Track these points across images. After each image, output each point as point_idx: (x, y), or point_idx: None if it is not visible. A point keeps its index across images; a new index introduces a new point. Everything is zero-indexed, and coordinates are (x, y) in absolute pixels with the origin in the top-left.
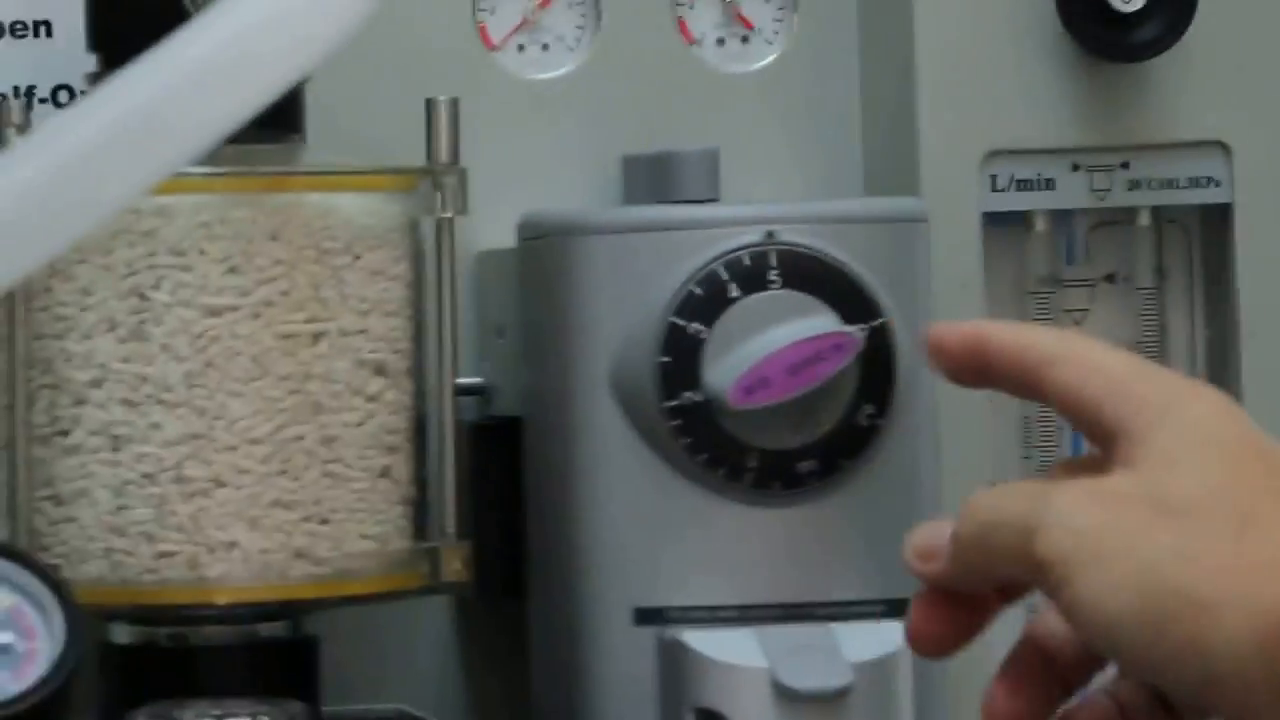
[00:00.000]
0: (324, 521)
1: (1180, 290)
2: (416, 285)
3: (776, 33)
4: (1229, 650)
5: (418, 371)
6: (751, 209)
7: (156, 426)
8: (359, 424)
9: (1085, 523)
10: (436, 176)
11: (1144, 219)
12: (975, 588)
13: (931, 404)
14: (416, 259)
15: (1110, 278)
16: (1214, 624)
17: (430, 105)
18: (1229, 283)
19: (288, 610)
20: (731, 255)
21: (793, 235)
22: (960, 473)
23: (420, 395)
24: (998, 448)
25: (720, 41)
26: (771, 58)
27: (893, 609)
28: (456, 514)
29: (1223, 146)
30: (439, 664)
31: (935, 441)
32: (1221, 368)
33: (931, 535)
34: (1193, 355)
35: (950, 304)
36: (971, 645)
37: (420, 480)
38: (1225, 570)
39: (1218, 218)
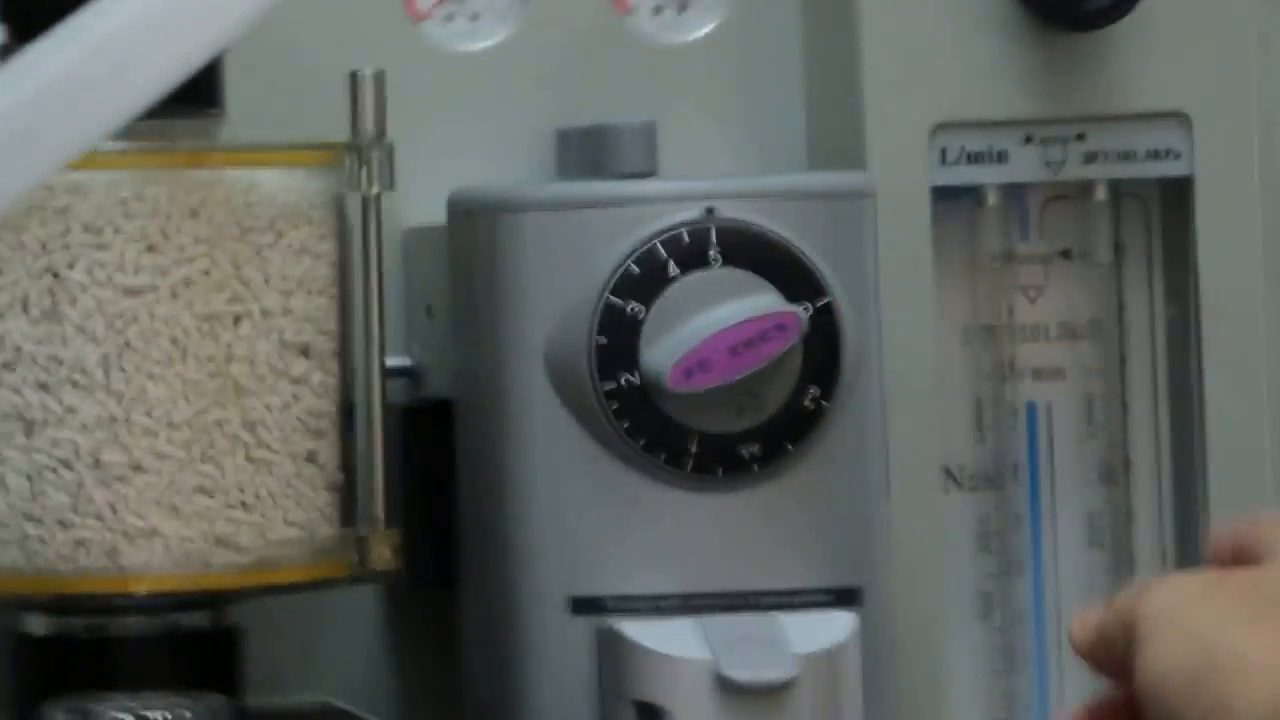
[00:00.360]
0: (247, 508)
1: (1139, 267)
2: (342, 264)
3: (715, 1)
4: (1251, 714)
5: (344, 353)
6: (690, 184)
7: (72, 410)
8: (284, 407)
9: (1178, 590)
10: (362, 151)
11: (1101, 193)
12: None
13: (879, 386)
14: (342, 236)
15: (1066, 254)
16: (1244, 687)
17: (354, 78)
18: (1189, 259)
19: (209, 600)
20: (670, 232)
21: (734, 211)
22: (910, 457)
23: (347, 377)
24: (949, 430)
25: (657, 10)
26: (710, 27)
27: (840, 598)
28: (385, 500)
29: (1183, 117)
30: (366, 655)
31: (883, 424)
32: (1182, 347)
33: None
34: (1152, 334)
35: (899, 282)
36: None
37: (347, 465)
38: (1269, 639)
39: (1178, 191)
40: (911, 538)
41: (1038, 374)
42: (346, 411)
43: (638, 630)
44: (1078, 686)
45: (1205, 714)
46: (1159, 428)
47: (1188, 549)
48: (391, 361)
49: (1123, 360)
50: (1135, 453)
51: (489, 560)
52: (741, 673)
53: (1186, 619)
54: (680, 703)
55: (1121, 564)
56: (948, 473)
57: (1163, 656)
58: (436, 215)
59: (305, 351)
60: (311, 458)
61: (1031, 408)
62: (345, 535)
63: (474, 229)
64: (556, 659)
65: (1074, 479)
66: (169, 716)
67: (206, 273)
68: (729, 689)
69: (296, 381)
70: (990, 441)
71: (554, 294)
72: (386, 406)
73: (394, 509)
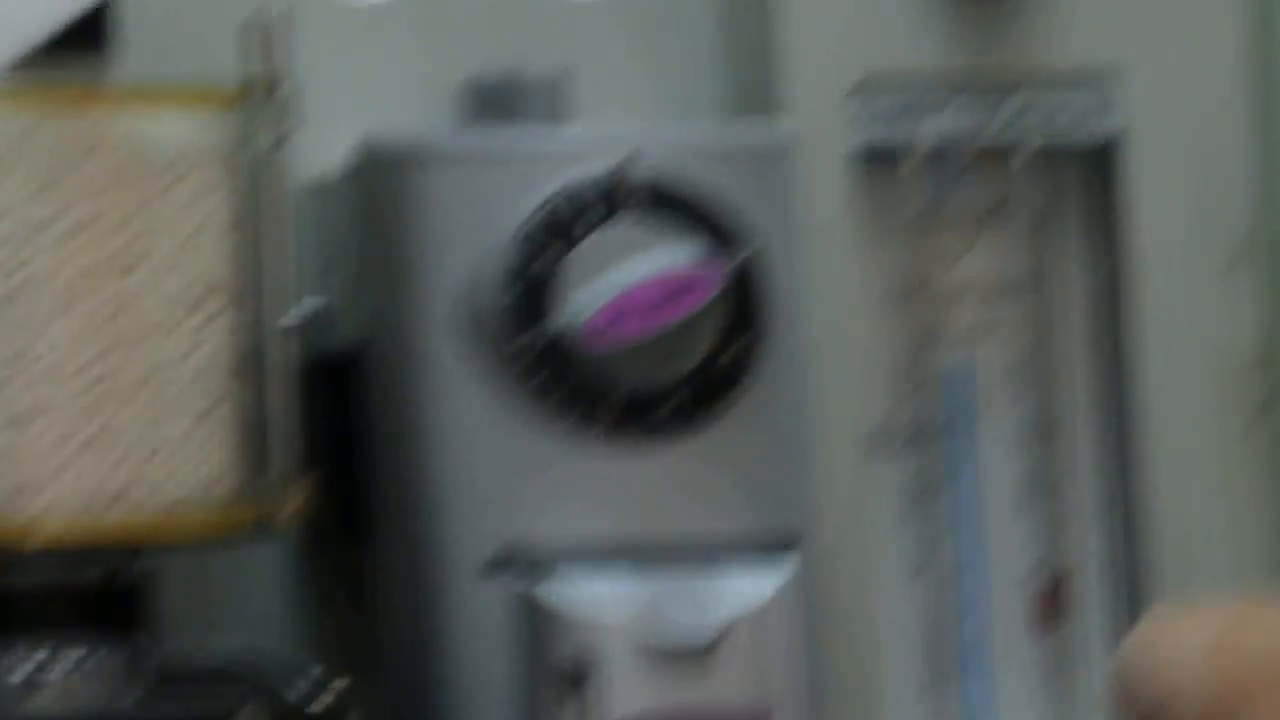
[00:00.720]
0: (148, 460)
1: (1067, 229)
2: (245, 210)
3: None
4: None
5: (249, 302)
6: (607, 133)
7: None
8: (184, 356)
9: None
10: (264, 95)
11: (1027, 152)
12: None
13: (803, 340)
14: (244, 182)
15: (991, 214)
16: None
17: (256, 20)
18: (1119, 222)
19: (111, 552)
20: (586, 183)
21: (653, 162)
22: (835, 417)
23: (252, 327)
24: (874, 390)
25: None
26: None
27: (766, 555)
28: (295, 451)
29: (1113, 75)
30: (281, 604)
31: (807, 383)
32: (1110, 314)
33: None
34: (1080, 294)
35: (821, 240)
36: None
37: (252, 417)
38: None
39: (1108, 152)
40: (838, 499)
41: (964, 334)
42: (251, 361)
43: (558, 591)
44: (1005, 649)
45: None
46: (1088, 387)
47: (1119, 507)
48: (301, 309)
49: (1051, 321)
50: (1061, 413)
51: (400, 517)
52: (666, 636)
53: None
54: (603, 666)
55: (1051, 524)
56: (874, 433)
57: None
58: (342, 163)
59: (207, 300)
60: (215, 409)
61: (958, 368)
62: (250, 488)
63: (382, 178)
64: (472, 621)
65: (1001, 439)
66: (73, 665)
67: (100, 217)
68: (653, 652)
69: (198, 330)
70: (917, 402)
71: (466, 246)
72: (292, 357)
73: (301, 463)
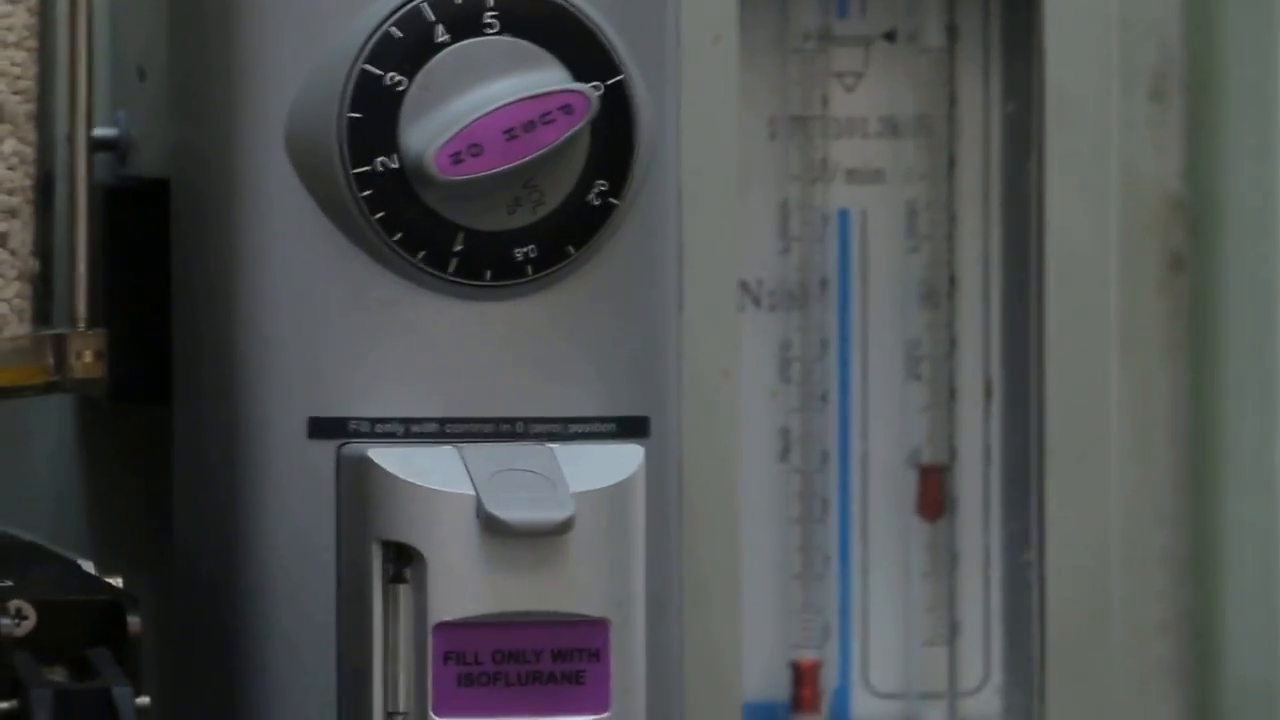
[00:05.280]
0: None
1: (974, 53)
2: (43, 13)
3: None
4: None
5: (43, 118)
6: None
7: None
8: None
9: None
10: None
11: None
12: None
13: (675, 182)
14: None
15: (890, 35)
16: None
17: None
18: (1033, 45)
19: None
20: None
21: None
22: (704, 268)
23: (45, 148)
24: (749, 238)
25: None
26: None
27: (625, 428)
28: (88, 295)
29: None
30: (59, 478)
31: (678, 228)
32: (1021, 146)
33: None
34: (986, 132)
35: (699, 61)
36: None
37: (44, 252)
38: None
39: None
40: (704, 362)
41: (853, 175)
42: (44, 188)
43: (388, 458)
44: (882, 538)
45: None
46: (989, 242)
47: (1015, 383)
48: (97, 131)
49: (951, 162)
50: (962, 270)
51: (211, 370)
52: (509, 511)
53: None
54: (436, 544)
55: (940, 398)
56: (746, 288)
57: None
58: None
59: None
60: (1, 241)
61: (844, 215)
62: (39, 335)
63: None
64: (292, 490)
65: (890, 299)
66: None
67: None
68: (495, 529)
69: None
70: (796, 253)
71: (298, 59)
72: (91, 184)
73: (98, 306)
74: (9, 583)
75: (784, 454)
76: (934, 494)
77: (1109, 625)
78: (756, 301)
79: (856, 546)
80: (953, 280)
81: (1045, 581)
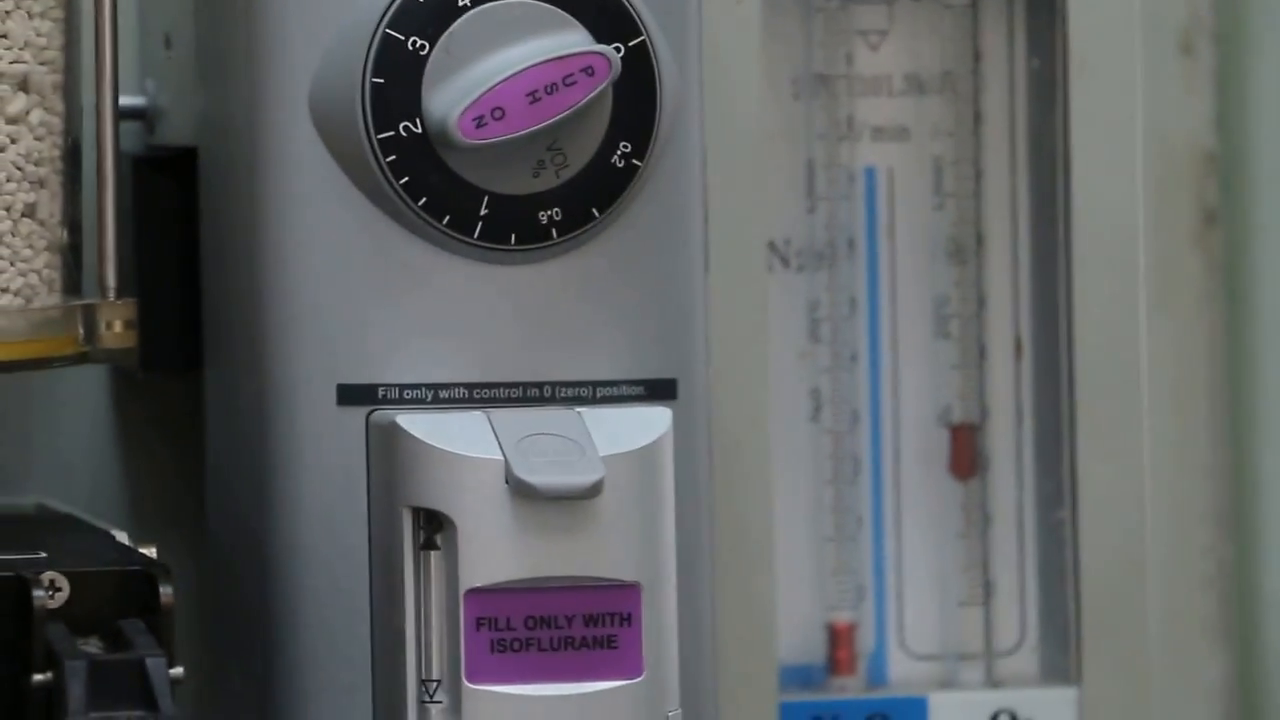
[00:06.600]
0: None
1: (998, 9)
2: None
3: None
4: None
5: (70, 88)
6: None
7: None
8: None
9: None
10: None
11: None
12: None
13: (699, 144)
14: None
15: None
16: None
17: None
18: (1058, 3)
19: None
20: None
21: None
22: (731, 229)
23: (73, 118)
24: (775, 198)
25: None
26: None
27: (651, 391)
28: (117, 265)
29: None
30: (92, 448)
31: (703, 189)
32: (1046, 104)
33: None
34: (1011, 89)
35: (721, 21)
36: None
37: (72, 222)
38: None
39: None
40: (732, 324)
41: (878, 133)
42: (72, 158)
43: (417, 424)
44: (915, 498)
45: None
46: (1016, 198)
47: (1046, 340)
48: (124, 100)
49: (977, 119)
50: (989, 227)
51: (241, 338)
52: (538, 476)
53: None
54: (466, 509)
55: (970, 356)
56: (773, 248)
57: None
58: None
59: (24, 84)
60: (30, 211)
61: (871, 173)
62: (69, 306)
63: None
64: (321, 458)
65: (918, 257)
66: None
67: None
68: (525, 494)
69: (13, 120)
70: (823, 212)
71: (321, 23)
72: (118, 154)
73: (128, 276)
74: (43, 554)
75: (815, 414)
76: (966, 453)
77: (1145, 582)
78: (785, 262)
79: (890, 507)
80: (980, 237)
81: (1079, 539)
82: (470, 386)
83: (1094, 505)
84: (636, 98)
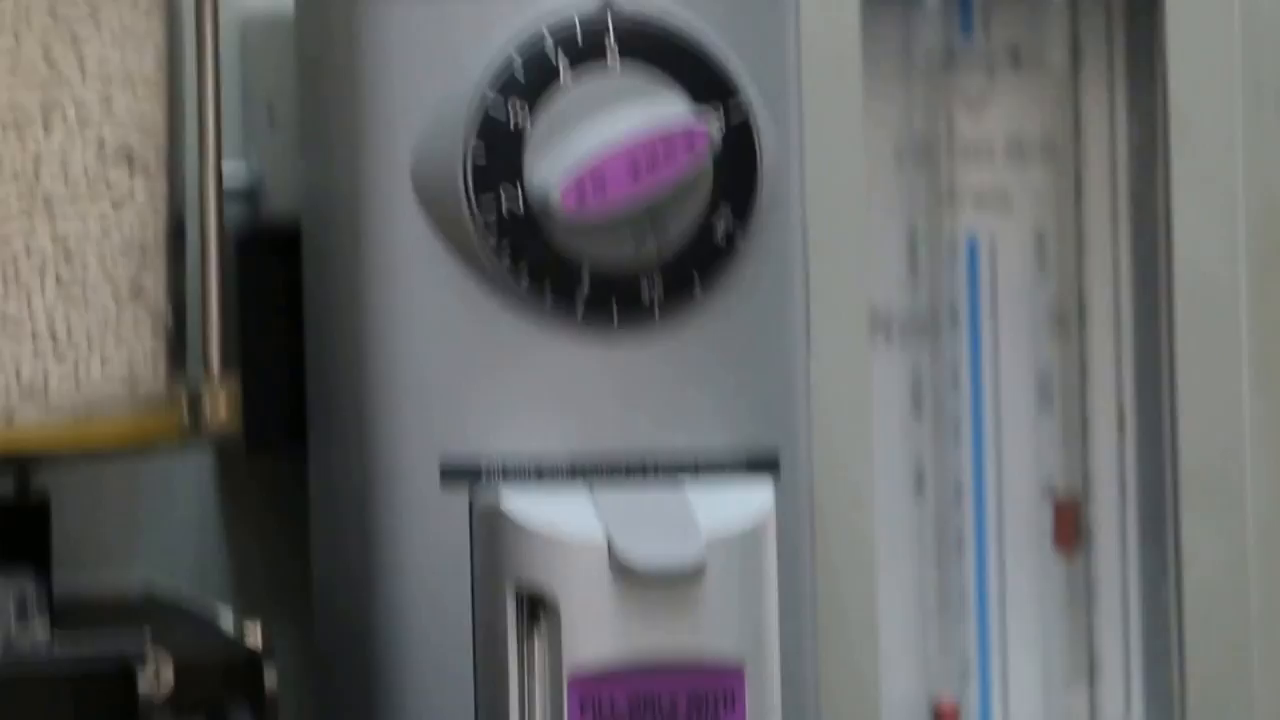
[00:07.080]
0: (58, 352)
1: (1099, 75)
2: (172, 55)
3: None
4: None
5: (173, 164)
6: None
7: None
8: (103, 228)
9: None
10: None
11: None
12: None
13: (800, 214)
14: (172, 22)
15: (1014, 58)
16: None
17: None
18: (1158, 68)
19: (14, 462)
20: (561, 24)
21: (636, 1)
22: (833, 300)
23: (176, 194)
24: (877, 268)
25: None
26: None
27: (755, 463)
28: (221, 345)
29: None
30: (199, 528)
31: (805, 260)
32: (1147, 171)
33: None
34: (1113, 155)
35: (825, 87)
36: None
37: (177, 302)
38: None
39: None
40: (834, 396)
41: (980, 201)
42: (176, 235)
43: (520, 503)
44: (1020, 573)
45: None
46: (1119, 267)
47: (1149, 411)
48: (228, 182)
49: (1079, 186)
50: (1091, 297)
51: (344, 417)
52: (642, 556)
53: None
54: (570, 590)
55: (1073, 429)
56: (876, 319)
57: None
58: (281, 1)
59: (129, 159)
60: (136, 291)
61: (973, 242)
62: (174, 387)
63: (327, 17)
64: (425, 538)
65: (1021, 328)
66: None
67: (9, 57)
68: (628, 575)
69: (119, 197)
70: (925, 282)
71: (422, 96)
72: (222, 231)
73: (231, 354)
74: (148, 639)
75: (918, 488)
76: (1069, 526)
77: (1252, 660)
78: (887, 332)
79: (994, 582)
80: (1083, 307)
81: (1184, 615)
82: (573, 462)
83: (1199, 581)
84: (738, 167)
